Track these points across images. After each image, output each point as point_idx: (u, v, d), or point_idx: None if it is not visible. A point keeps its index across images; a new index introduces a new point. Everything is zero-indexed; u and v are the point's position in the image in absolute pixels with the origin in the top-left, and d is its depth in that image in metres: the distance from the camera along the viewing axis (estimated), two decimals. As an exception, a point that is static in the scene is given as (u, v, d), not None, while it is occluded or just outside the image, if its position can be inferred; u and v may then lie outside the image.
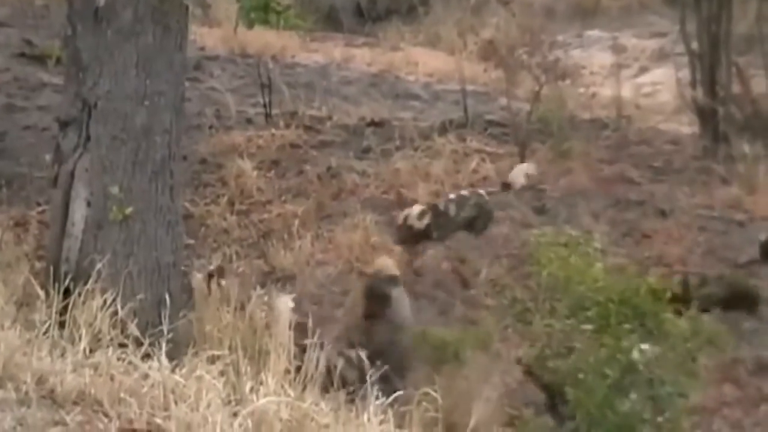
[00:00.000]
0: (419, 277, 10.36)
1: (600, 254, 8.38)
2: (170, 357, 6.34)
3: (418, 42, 18.52)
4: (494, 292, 9.91)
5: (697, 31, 13.43)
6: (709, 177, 12.43)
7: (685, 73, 13.72)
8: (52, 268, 7.28)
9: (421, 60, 16.92)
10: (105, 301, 6.79)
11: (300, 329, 7.92)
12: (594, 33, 17.98)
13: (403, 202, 11.40)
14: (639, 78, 16.39)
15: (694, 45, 13.45)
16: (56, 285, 6.99)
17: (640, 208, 11.71)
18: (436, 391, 7.06)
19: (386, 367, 8.15)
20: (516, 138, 12.58)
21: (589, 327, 7.40)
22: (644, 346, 7.14)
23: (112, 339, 6.56)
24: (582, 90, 14.36)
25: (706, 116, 13.29)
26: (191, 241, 10.36)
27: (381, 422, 6.17)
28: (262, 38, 15.66)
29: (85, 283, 6.95)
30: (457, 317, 9.62)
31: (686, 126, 13.93)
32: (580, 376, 7.21)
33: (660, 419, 7.11)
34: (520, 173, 11.80)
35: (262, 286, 8.99)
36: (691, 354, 7.32)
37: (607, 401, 7.06)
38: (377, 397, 6.47)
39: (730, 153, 12.73)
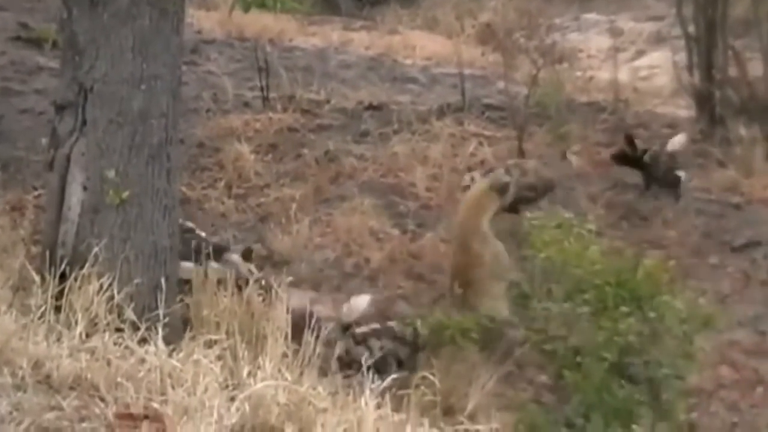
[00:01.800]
0: (417, 259, 10.38)
1: (596, 237, 8.40)
2: (167, 341, 6.37)
3: (416, 25, 18.47)
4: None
5: (693, 15, 13.40)
6: (705, 160, 12.42)
7: (682, 57, 13.69)
8: (48, 253, 7.28)
9: (419, 43, 16.88)
10: (101, 286, 6.79)
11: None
12: (591, 16, 17.94)
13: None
14: (636, 61, 16.36)
15: (691, 28, 13.42)
16: (52, 269, 6.99)
17: (638, 191, 11.71)
18: (434, 375, 7.08)
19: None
20: (514, 122, 12.57)
21: (586, 310, 7.40)
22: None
23: (108, 323, 6.57)
24: (579, 73, 14.34)
25: (702, 100, 13.28)
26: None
27: (378, 406, 6.18)
28: (260, 22, 15.63)
29: (82, 268, 6.96)
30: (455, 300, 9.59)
31: (683, 109, 13.91)
32: (578, 359, 7.21)
33: (657, 402, 7.12)
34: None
35: (260, 269, 9.00)
36: (687, 336, 7.32)
37: (605, 384, 7.06)
38: (374, 381, 6.49)
39: (727, 136, 12.71)
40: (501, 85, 13.44)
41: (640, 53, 16.68)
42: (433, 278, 10.08)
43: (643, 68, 16.01)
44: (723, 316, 8.01)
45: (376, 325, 8.37)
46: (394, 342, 8.33)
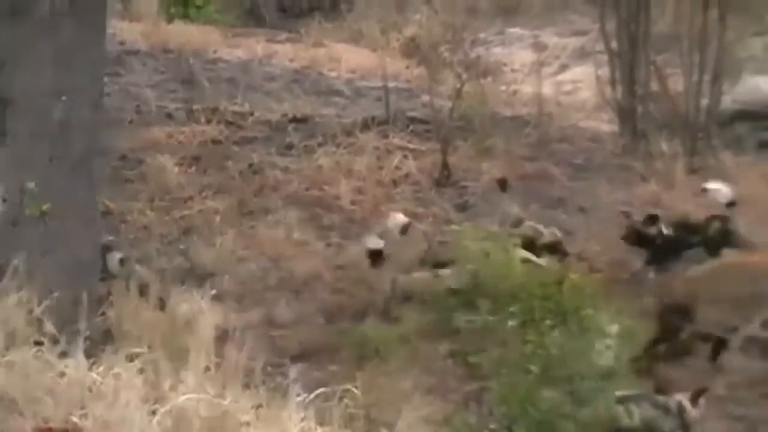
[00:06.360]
0: (342, 272, 10.36)
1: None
2: (88, 355, 6.27)
3: (341, 38, 18.45)
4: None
5: (616, 30, 13.53)
6: (628, 174, 12.54)
7: (605, 72, 13.81)
8: (-33, 266, 7.17)
9: (344, 56, 16.86)
10: (21, 299, 6.69)
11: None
12: (515, 31, 18.04)
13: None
14: (560, 76, 16.46)
15: (614, 44, 13.55)
16: (-29, 283, 6.88)
17: (561, 205, 11.77)
18: (357, 388, 7.05)
19: None
20: (438, 135, 12.60)
21: (512, 322, 7.42)
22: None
23: (27, 337, 6.46)
24: (503, 87, 14.39)
25: (625, 114, 13.41)
26: (111, 238, 10.25)
27: (302, 419, 6.15)
28: (184, 33, 15.55)
29: (0, 281, 6.85)
30: (380, 313, 9.59)
31: (606, 124, 14.04)
32: (503, 371, 7.23)
33: (581, 414, 7.15)
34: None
35: (183, 282, 8.94)
36: (610, 349, 7.37)
37: (530, 396, 7.07)
38: (298, 394, 6.45)
39: (649, 150, 12.85)
40: (426, 98, 13.47)
41: (564, 68, 16.80)
42: (358, 292, 10.06)
43: (567, 83, 16.12)
44: (645, 329, 8.08)
45: None
46: None
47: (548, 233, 10.34)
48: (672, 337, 8.99)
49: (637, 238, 10.52)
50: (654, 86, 13.44)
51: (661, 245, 10.44)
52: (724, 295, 8.99)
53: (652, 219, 10.49)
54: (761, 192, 11.50)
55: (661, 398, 7.79)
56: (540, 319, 7.24)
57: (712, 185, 10.87)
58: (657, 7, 13.98)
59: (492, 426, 7.22)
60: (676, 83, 13.42)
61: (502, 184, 11.12)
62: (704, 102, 13.20)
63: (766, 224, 10.85)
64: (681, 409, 7.72)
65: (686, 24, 13.39)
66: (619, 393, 7.75)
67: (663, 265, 10.42)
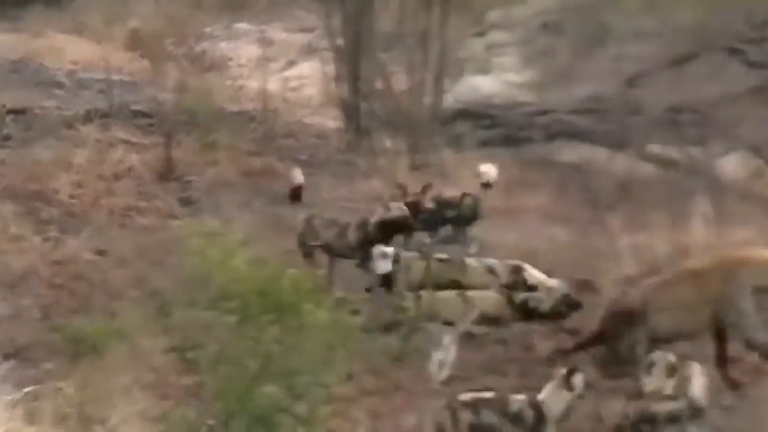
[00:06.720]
0: (59, 267, 10.13)
1: (242, 246, 8.39)
2: None
3: (64, 29, 18.05)
4: (136, 284, 9.78)
5: (342, 27, 13.66)
6: (352, 170, 12.68)
7: (332, 68, 13.93)
8: None
9: (67, 47, 16.53)
10: None
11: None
12: (242, 26, 17.97)
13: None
14: (286, 72, 16.54)
15: (339, 41, 13.67)
16: None
17: (286, 200, 11.81)
18: (71, 385, 6.90)
19: None
20: (162, 129, 12.47)
21: (230, 318, 7.36)
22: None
23: None
24: (229, 82, 14.40)
25: (349, 111, 13.56)
26: None
27: (9, 419, 5.97)
28: None
29: None
30: (97, 309, 9.40)
31: (332, 120, 14.18)
32: (221, 367, 7.17)
33: (299, 409, 7.15)
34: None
35: None
36: (329, 345, 7.39)
37: (248, 392, 7.04)
38: (8, 393, 6.27)
39: (373, 147, 13.03)
40: (150, 91, 13.31)
41: (291, 64, 16.88)
42: (75, 287, 9.85)
43: (293, 79, 16.21)
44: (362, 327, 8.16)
45: None
46: None
47: (395, 208, 10.37)
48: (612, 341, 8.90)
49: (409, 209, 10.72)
50: (378, 84, 13.63)
51: (424, 219, 10.66)
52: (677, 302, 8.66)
53: (426, 188, 10.72)
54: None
55: (518, 403, 7.44)
56: (258, 315, 7.21)
57: (484, 166, 11.09)
58: (382, 5, 14.17)
59: (210, 422, 7.15)
60: (400, 81, 13.64)
61: (296, 193, 11.11)
62: (427, 100, 13.45)
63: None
64: (537, 416, 7.41)
65: (410, 23, 13.62)
66: (464, 396, 7.57)
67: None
